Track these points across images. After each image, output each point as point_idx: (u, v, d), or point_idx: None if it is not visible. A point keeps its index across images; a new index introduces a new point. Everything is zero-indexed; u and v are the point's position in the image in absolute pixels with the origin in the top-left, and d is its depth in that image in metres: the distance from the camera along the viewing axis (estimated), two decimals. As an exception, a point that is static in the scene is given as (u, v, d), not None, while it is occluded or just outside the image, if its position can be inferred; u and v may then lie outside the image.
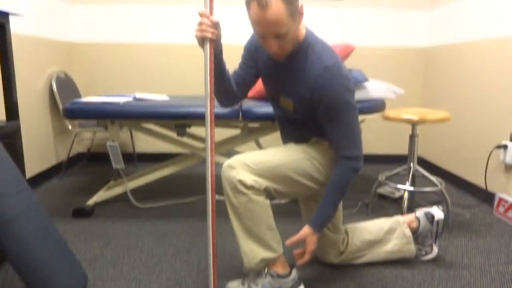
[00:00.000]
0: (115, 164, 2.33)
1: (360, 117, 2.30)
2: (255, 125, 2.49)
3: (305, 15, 3.32)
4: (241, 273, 1.71)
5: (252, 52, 1.58)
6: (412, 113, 2.14)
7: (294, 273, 1.52)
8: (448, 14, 3.15)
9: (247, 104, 2.31)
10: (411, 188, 2.23)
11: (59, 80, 3.12)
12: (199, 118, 2.19)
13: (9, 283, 1.62)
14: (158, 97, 2.61)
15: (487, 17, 2.64)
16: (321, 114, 1.43)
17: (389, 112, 2.23)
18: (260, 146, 2.91)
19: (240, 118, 2.23)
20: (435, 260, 1.83)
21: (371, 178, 3.20)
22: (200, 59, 3.50)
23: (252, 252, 1.45)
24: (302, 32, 1.43)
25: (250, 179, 1.38)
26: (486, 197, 2.62)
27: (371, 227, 1.78)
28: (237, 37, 3.41)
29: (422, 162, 3.59)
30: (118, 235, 2.09)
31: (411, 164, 2.26)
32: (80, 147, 3.66)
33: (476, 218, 2.37)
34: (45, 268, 1.38)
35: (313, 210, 1.69)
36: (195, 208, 2.48)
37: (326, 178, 1.54)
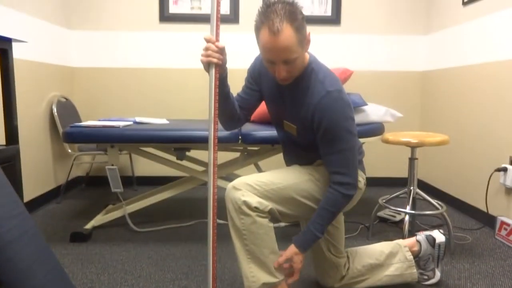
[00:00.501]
0: (114, 188, 2.32)
1: (360, 140, 2.31)
2: (254, 148, 2.49)
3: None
4: (241, 299, 1.68)
5: (256, 76, 1.61)
6: (411, 136, 2.15)
7: (295, 298, 1.49)
8: (445, 38, 3.21)
9: (247, 127, 2.32)
10: (412, 212, 2.21)
11: (59, 105, 3.14)
12: (198, 142, 2.20)
13: (4, 310, 1.58)
14: (158, 121, 2.63)
15: (484, 41, 2.69)
16: (320, 137, 1.44)
17: (388, 135, 2.23)
18: (259, 170, 2.90)
19: (240, 142, 2.24)
20: (438, 285, 1.80)
21: (371, 201, 3.19)
22: (200, 84, 3.54)
23: (254, 276, 1.43)
24: (306, 57, 1.46)
25: (254, 200, 1.38)
26: (487, 220, 2.60)
27: (372, 251, 1.75)
28: (242, 61, 3.47)
29: (423, 186, 3.58)
30: (116, 259, 2.06)
31: (411, 187, 2.25)
32: (79, 171, 3.65)
33: (478, 242, 2.34)
34: (41, 294, 1.35)
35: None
36: (194, 232, 2.46)
37: None
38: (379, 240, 1.88)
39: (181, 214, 2.81)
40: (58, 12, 3.21)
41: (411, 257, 1.74)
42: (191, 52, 3.50)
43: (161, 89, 3.54)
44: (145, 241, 2.31)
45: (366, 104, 2.37)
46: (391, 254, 1.74)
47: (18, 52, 2.66)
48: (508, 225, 2.30)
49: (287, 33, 1.26)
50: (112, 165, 2.30)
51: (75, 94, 3.54)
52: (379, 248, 1.76)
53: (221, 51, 1.34)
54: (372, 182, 3.69)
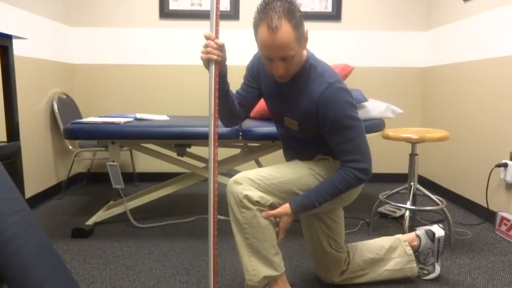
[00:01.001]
0: (115, 184, 2.33)
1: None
2: (255, 144, 2.50)
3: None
4: (242, 293, 1.69)
5: (254, 74, 1.61)
6: (411, 132, 2.15)
7: (295, 293, 1.50)
8: (446, 35, 3.20)
9: (247, 123, 2.33)
10: (412, 207, 2.22)
11: (60, 101, 3.15)
12: (199, 138, 2.20)
13: (6, 305, 1.60)
14: (158, 117, 2.63)
15: (485, 37, 2.69)
16: (327, 130, 1.44)
17: (389, 131, 2.24)
18: (260, 166, 2.91)
19: (240, 138, 2.24)
20: (438, 280, 1.81)
21: (372, 197, 3.19)
22: (200, 80, 3.54)
23: (255, 269, 1.44)
24: (304, 54, 1.47)
25: (256, 194, 1.39)
26: (487, 215, 2.60)
27: (372, 246, 1.76)
28: (242, 58, 3.47)
29: (423, 181, 3.58)
30: (117, 255, 2.07)
31: (412, 183, 2.26)
32: (80, 167, 3.66)
33: (478, 237, 2.35)
34: (43, 289, 1.36)
35: (315, 227, 1.68)
36: (194, 228, 2.47)
37: None
38: (379, 236, 1.88)
39: (182, 210, 2.82)
40: (58, 8, 3.21)
41: (411, 251, 1.75)
42: (192, 48, 3.50)
43: (161, 86, 3.55)
44: (146, 237, 2.32)
45: (366, 100, 2.37)
46: (391, 249, 1.75)
47: (18, 49, 2.66)
48: (508, 220, 2.31)
49: (285, 30, 1.27)
50: (113, 161, 2.31)
51: (76, 91, 3.54)
52: (379, 243, 1.77)
53: (221, 48, 1.35)
54: (373, 177, 3.69)
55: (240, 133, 2.24)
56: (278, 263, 1.46)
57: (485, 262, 2.01)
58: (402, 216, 2.64)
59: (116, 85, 3.53)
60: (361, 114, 2.35)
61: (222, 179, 2.36)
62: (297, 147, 1.63)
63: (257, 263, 1.44)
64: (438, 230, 1.76)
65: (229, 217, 1.46)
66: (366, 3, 3.50)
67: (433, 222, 2.56)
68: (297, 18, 1.30)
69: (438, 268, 1.79)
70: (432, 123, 3.43)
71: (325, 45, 3.54)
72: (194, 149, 3.33)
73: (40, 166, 2.96)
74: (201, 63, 1.37)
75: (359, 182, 1.47)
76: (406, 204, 2.22)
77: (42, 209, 2.81)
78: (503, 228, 2.35)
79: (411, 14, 3.53)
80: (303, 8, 3.45)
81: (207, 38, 1.33)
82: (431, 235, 1.76)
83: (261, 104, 2.53)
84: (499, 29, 2.51)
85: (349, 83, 3.56)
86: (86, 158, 3.50)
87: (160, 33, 3.47)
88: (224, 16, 3.44)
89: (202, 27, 3.47)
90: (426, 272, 1.80)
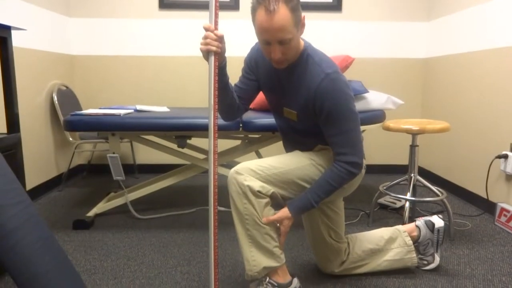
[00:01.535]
0: (116, 176, 2.33)
1: (361, 128, 2.31)
2: (255, 136, 2.50)
3: (306, 27, 3.40)
4: (242, 284, 1.70)
5: (253, 66, 1.61)
6: (412, 124, 2.15)
7: (295, 282, 1.51)
8: (447, 25, 3.18)
9: (247, 115, 2.32)
10: (412, 198, 2.22)
11: (60, 93, 3.14)
12: (199, 130, 2.20)
13: (9, 296, 1.61)
14: (158, 108, 2.63)
15: (485, 28, 2.67)
16: (323, 120, 1.44)
17: (389, 122, 2.23)
18: (260, 157, 2.91)
19: (241, 129, 2.24)
20: (437, 270, 1.82)
21: (372, 188, 3.20)
22: (200, 71, 3.53)
23: (255, 260, 1.45)
24: (301, 43, 1.46)
25: (257, 184, 1.40)
26: (487, 207, 2.61)
27: (372, 236, 1.77)
28: (243, 48, 3.45)
29: (423, 173, 3.59)
30: (118, 246, 2.08)
31: (412, 174, 2.26)
32: (80, 159, 3.67)
33: (478, 228, 2.36)
34: (44, 280, 1.37)
35: (316, 218, 1.69)
36: (195, 219, 2.47)
37: None
38: (379, 227, 1.89)
39: (183, 202, 2.83)
40: (57, -1, 3.19)
41: (411, 242, 1.76)
42: (192, 39, 3.48)
43: (161, 77, 3.53)
44: (147, 228, 2.33)
45: (367, 92, 2.37)
46: (391, 239, 1.76)
47: (17, 40, 2.65)
48: (508, 211, 2.31)
49: (282, 12, 1.27)
50: (114, 153, 2.31)
51: (75, 82, 3.53)
52: (379, 234, 1.78)
53: (220, 39, 1.35)
54: (373, 169, 3.69)
55: (241, 125, 2.23)
56: (278, 254, 1.47)
57: (484, 253, 2.02)
58: (402, 207, 2.65)
59: (116, 76, 3.52)
60: (362, 105, 2.35)
61: (222, 170, 2.36)
62: (297, 138, 1.63)
63: (258, 253, 1.45)
64: (437, 221, 1.77)
65: (230, 208, 1.46)
66: (367, -7, 3.48)
67: (433, 213, 2.57)
68: (294, 1, 1.30)
69: (437, 259, 1.80)
70: (433, 114, 3.42)
71: (325, 36, 3.52)
72: (194, 141, 3.33)
73: (41, 158, 2.96)
74: (202, 54, 1.37)
75: (351, 176, 1.47)
76: (406, 195, 2.22)
77: (43, 201, 2.82)
78: (503, 219, 2.36)
79: (413, 4, 3.50)
80: (303, -1, 3.43)
81: (207, 29, 1.33)
82: (430, 225, 1.76)
83: (261, 96, 2.52)
84: (501, 20, 2.50)
85: (350, 74, 3.54)
86: (86, 150, 3.50)
87: (159, 23, 3.45)
88: (223, 6, 3.42)
89: (202, 18, 3.45)
90: (425, 262, 1.81)
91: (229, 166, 2.54)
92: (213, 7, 1.31)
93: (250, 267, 1.46)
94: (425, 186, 2.26)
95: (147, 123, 2.20)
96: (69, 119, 2.19)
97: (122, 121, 2.19)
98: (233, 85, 1.62)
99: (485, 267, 1.87)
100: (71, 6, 3.40)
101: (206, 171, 2.20)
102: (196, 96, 3.57)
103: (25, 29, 1.93)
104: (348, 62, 2.43)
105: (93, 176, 3.56)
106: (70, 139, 3.05)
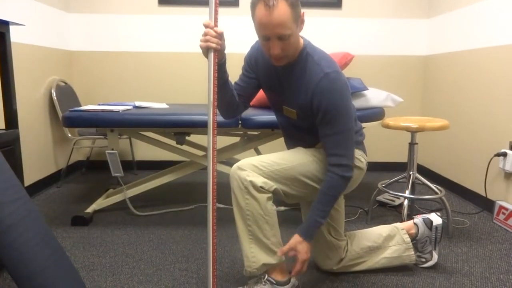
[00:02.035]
0: (114, 172, 2.33)
1: (361, 125, 2.31)
2: (254, 132, 2.49)
3: (306, 24, 3.40)
4: (240, 281, 1.70)
5: (253, 64, 1.61)
6: (411, 121, 2.15)
7: (293, 280, 1.51)
8: (447, 23, 3.18)
9: (247, 112, 2.32)
10: (411, 196, 2.22)
11: (58, 89, 3.13)
12: (198, 126, 2.20)
13: (7, 292, 1.61)
14: (157, 105, 2.62)
15: (485, 25, 2.66)
16: (319, 119, 1.44)
17: (389, 120, 2.23)
18: (259, 154, 2.90)
19: (240, 126, 2.24)
20: (435, 268, 1.83)
21: (371, 185, 3.20)
22: (200, 68, 3.52)
23: (254, 256, 1.45)
24: (301, 41, 1.46)
25: (260, 180, 1.40)
26: (486, 204, 2.61)
27: (370, 234, 1.77)
28: (242, 45, 3.44)
29: (422, 170, 3.59)
30: (116, 243, 2.08)
31: (411, 172, 2.26)
32: (79, 155, 3.66)
33: (476, 226, 2.36)
34: (43, 276, 1.36)
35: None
36: (194, 216, 2.47)
37: None
38: (378, 224, 1.90)
39: (181, 198, 2.83)
40: (55, -5, 3.18)
41: (409, 239, 1.76)
42: (191, 35, 3.47)
43: (160, 73, 3.53)
44: (145, 225, 2.32)
45: (366, 89, 2.36)
46: (389, 237, 1.76)
47: (15, 36, 2.63)
48: (507, 209, 2.32)
49: (282, 8, 1.28)
50: (112, 149, 2.31)
51: (74, 78, 3.52)
52: (377, 231, 1.78)
53: (220, 36, 1.34)
54: (372, 166, 3.69)
55: (240, 122, 2.23)
56: (278, 251, 1.47)
57: (482, 251, 2.03)
58: (401, 204, 2.65)
59: (115, 72, 3.51)
60: (361, 102, 2.34)
61: (221, 167, 2.36)
62: (298, 135, 1.63)
63: (257, 250, 1.45)
64: (435, 218, 1.77)
65: (229, 205, 1.46)
66: (367, -10, 3.47)
67: (431, 211, 2.57)
68: None
69: (435, 256, 1.81)
70: (432, 112, 3.42)
71: (325, 33, 3.51)
72: (193, 138, 3.32)
73: (39, 154, 2.96)
74: (201, 51, 1.36)
75: (345, 181, 1.46)
76: (405, 193, 2.23)
77: (42, 197, 2.82)
78: (501, 217, 2.36)
79: (413, 2, 3.49)
80: (303, -5, 3.41)
81: (206, 26, 1.33)
82: (428, 223, 1.76)
83: (261, 92, 2.51)
84: (501, 17, 2.49)
85: (350, 72, 3.54)
86: (85, 146, 3.50)
87: (159, 19, 3.44)
88: (223, 2, 3.40)
89: (202, 14, 3.44)
90: (423, 260, 1.81)
91: (228, 163, 2.54)
92: (213, 4, 1.31)
93: (250, 263, 1.46)
94: (423, 184, 2.26)
95: (146, 119, 2.19)
96: (67, 115, 2.19)
97: (121, 117, 2.19)
98: (233, 83, 1.62)
99: (483, 265, 1.87)
100: (70, 1, 3.39)
101: (205, 168, 2.20)
102: (196, 93, 3.56)
103: (24, 25, 1.92)
104: (347, 59, 2.42)
105: (91, 173, 3.55)
106: (69, 135, 3.04)
